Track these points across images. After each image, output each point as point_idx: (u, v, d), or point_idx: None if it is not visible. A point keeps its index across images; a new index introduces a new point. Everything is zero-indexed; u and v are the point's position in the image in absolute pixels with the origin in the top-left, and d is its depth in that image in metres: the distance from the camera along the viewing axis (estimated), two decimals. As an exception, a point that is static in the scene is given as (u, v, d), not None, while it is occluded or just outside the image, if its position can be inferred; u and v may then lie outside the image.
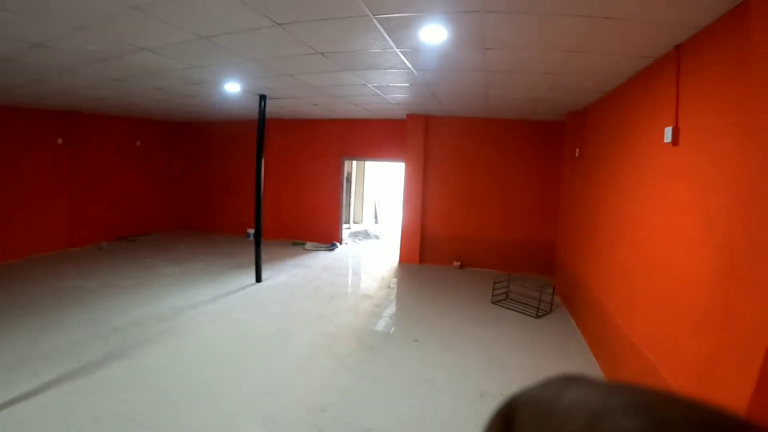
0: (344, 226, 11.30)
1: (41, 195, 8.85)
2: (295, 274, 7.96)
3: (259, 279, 7.28)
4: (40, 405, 3.57)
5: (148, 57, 4.60)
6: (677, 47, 3.30)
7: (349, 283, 7.88)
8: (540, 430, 0.32)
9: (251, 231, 10.73)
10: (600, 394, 0.32)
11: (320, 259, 9.26)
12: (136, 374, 4.18)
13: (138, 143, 11.04)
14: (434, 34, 3.53)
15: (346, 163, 11.52)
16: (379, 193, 15.16)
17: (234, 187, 11.47)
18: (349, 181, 13.08)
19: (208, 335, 5.19)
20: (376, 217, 14.75)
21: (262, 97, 6.97)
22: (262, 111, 7.10)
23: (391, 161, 10.45)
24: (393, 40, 3.79)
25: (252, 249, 7.86)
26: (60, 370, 4.17)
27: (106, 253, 9.13)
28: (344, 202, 11.14)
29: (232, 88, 6.33)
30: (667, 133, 3.28)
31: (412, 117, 9.01)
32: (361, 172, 14.22)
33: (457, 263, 9.09)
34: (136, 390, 3.88)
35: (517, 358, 4.85)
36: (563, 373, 0.38)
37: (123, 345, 4.79)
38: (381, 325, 5.77)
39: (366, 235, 12.30)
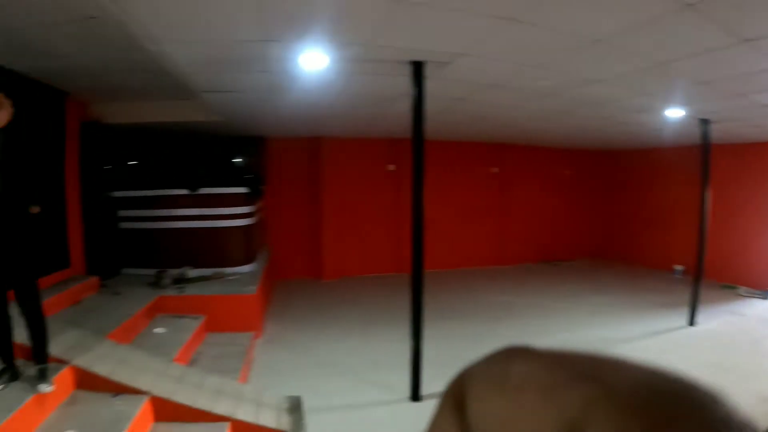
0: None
1: (477, 215, 10.46)
2: (727, 321, 6.85)
3: (691, 322, 6.54)
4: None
5: (597, 89, 4.70)
6: None
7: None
8: (493, 406, 0.30)
9: (678, 267, 9.84)
10: (547, 367, 0.30)
11: (755, 308, 7.70)
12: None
13: (566, 172, 11.73)
14: None
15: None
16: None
17: (658, 217, 10.68)
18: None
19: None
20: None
21: (704, 122, 6.29)
22: (705, 136, 6.43)
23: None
24: None
25: (678, 287, 7.17)
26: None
27: (532, 274, 10.00)
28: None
29: (675, 114, 5.95)
30: None
31: None
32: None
33: None
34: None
35: None
36: (508, 345, 0.36)
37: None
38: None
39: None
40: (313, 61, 3.95)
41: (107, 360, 3.65)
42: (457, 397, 0.34)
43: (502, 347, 0.37)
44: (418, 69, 3.92)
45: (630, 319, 6.79)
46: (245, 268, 6.70)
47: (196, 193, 6.39)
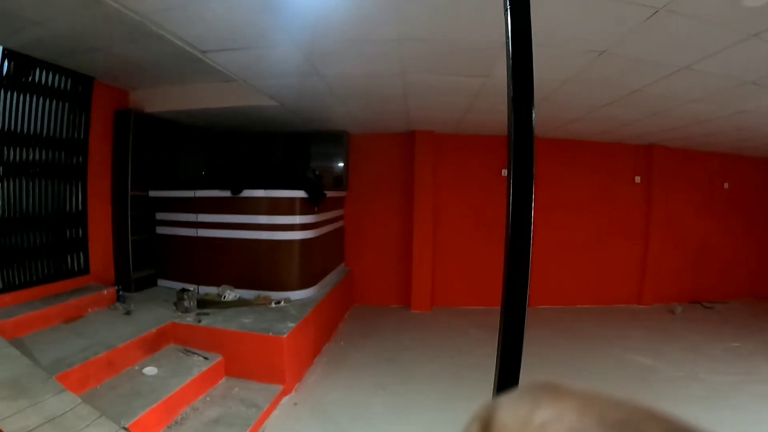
0: None
1: (614, 240, 7.98)
2: None
3: None
4: None
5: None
6: None
7: None
8: None
9: None
10: (576, 409, 0.30)
11: None
12: None
13: (726, 185, 8.64)
14: None
15: None
16: None
17: None
18: None
19: None
20: None
21: None
22: None
23: None
24: None
25: None
26: None
27: (679, 321, 7.22)
28: None
29: None
30: None
31: None
32: None
33: None
34: None
35: None
36: (538, 382, 0.35)
37: None
38: None
39: None
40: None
41: (31, 414, 2.51)
42: (484, 424, 0.33)
43: (533, 383, 0.35)
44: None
45: None
46: (300, 294, 5.34)
47: (239, 196, 5.16)
